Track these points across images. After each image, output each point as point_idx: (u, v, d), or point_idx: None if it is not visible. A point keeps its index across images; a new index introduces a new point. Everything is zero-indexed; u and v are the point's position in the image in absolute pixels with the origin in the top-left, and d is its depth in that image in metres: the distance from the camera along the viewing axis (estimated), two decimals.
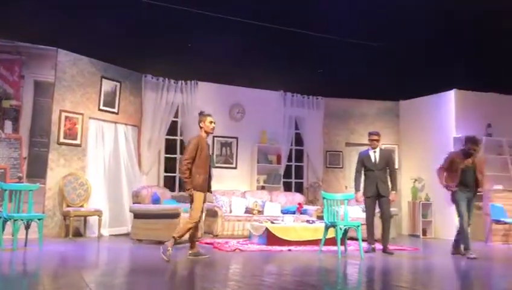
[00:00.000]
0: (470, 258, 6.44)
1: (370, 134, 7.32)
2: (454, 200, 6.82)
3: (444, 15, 7.25)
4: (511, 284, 4.99)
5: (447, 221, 10.13)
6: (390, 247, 7.09)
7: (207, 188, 6.04)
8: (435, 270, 5.74)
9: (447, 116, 10.31)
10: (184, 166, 5.84)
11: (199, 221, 6.02)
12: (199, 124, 6.12)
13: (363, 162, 7.22)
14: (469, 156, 6.73)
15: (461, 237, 6.75)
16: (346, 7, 7.11)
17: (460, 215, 6.75)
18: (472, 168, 6.73)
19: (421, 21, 7.41)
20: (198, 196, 5.85)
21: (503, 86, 9.93)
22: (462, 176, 6.72)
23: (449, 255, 6.90)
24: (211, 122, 6.08)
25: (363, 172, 7.26)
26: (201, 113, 6.15)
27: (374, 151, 7.22)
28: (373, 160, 7.17)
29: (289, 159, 11.07)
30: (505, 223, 8.58)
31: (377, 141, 7.22)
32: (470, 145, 6.73)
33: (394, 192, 7.12)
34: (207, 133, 6.09)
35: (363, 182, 7.23)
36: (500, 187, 9.52)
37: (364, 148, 7.95)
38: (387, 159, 7.23)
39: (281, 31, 7.85)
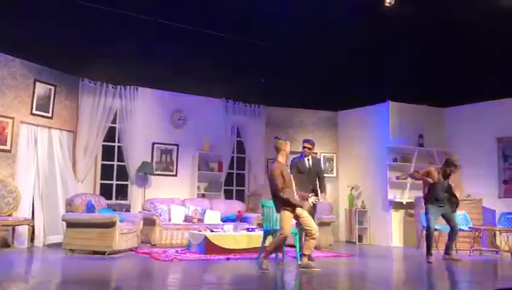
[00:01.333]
0: (429, 262, 7.09)
1: (306, 142, 7.43)
2: (426, 211, 7.49)
3: (382, 28, 7.54)
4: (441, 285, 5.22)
5: (381, 228, 10.51)
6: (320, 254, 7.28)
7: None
8: (368, 276, 5.92)
9: (382, 127, 10.71)
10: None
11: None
12: (278, 147, 6.18)
13: (297, 167, 7.30)
14: (446, 176, 7.41)
15: (427, 243, 7.36)
16: (284, 15, 7.24)
17: (427, 224, 7.41)
18: (445, 187, 7.39)
19: (358, 33, 7.66)
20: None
21: (434, 99, 10.47)
22: (433, 190, 7.33)
23: (383, 261, 7.13)
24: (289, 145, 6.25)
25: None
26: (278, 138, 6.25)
27: (308, 159, 7.37)
28: (307, 165, 7.32)
29: (231, 166, 11.07)
30: (436, 229, 8.97)
31: (311, 149, 7.38)
32: (451, 168, 7.39)
33: (324, 194, 7.38)
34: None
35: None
36: None
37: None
38: (318, 167, 7.46)
39: (223, 38, 7.86)
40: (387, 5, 7.02)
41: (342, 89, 9.78)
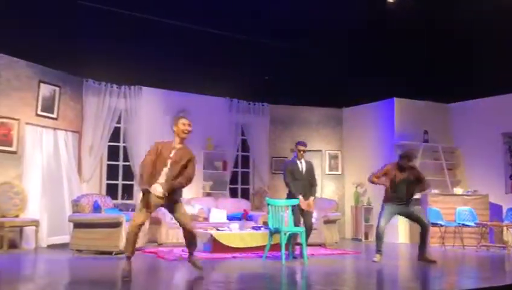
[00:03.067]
0: (373, 261, 6.72)
1: (300, 144, 7.23)
2: (382, 208, 7.08)
3: (387, 26, 7.53)
4: (447, 284, 5.21)
5: (388, 225, 10.45)
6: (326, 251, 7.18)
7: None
8: (374, 274, 5.91)
9: (387, 124, 10.68)
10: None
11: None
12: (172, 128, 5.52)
13: (292, 172, 7.15)
14: (403, 170, 6.95)
15: (377, 240, 6.96)
16: (288, 14, 7.22)
17: (378, 221, 7.03)
18: (405, 181, 6.92)
19: (363, 30, 7.65)
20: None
21: (439, 95, 10.43)
22: (394, 189, 6.91)
23: (390, 258, 7.11)
24: (184, 123, 5.48)
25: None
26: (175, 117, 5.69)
27: (301, 162, 7.22)
28: (300, 169, 7.16)
29: (235, 165, 11.07)
30: (441, 226, 8.98)
31: (305, 152, 7.22)
32: (405, 161, 6.97)
33: (313, 198, 7.11)
34: (180, 137, 5.47)
35: (292, 191, 7.10)
36: (436, 191, 9.95)
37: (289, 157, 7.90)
38: (310, 171, 7.25)
39: (226, 37, 7.86)
40: (391, 1, 7.01)
41: (346, 86, 9.76)
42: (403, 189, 6.92)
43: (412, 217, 7.15)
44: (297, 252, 7.09)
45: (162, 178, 5.17)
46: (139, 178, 5.31)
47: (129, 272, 4.90)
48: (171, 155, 5.26)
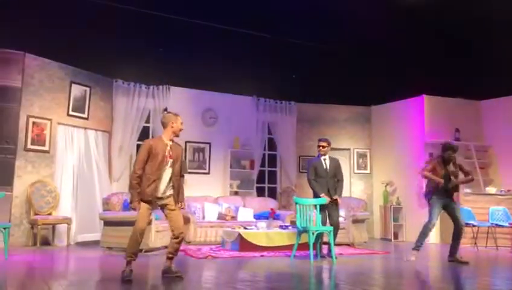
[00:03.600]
0: (410, 259, 6.68)
1: (320, 140, 7.18)
2: (430, 204, 6.89)
3: (415, 24, 7.40)
4: (479, 285, 5.09)
5: (417, 224, 10.27)
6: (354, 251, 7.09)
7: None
8: (404, 274, 5.81)
9: (417, 122, 10.50)
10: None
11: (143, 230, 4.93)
12: (167, 123, 5.05)
13: (316, 169, 7.10)
14: (449, 162, 6.84)
15: (422, 236, 6.84)
16: (316, 12, 7.18)
17: (430, 217, 6.83)
18: (450, 175, 6.80)
19: (393, 28, 7.54)
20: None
21: (469, 92, 10.19)
22: (443, 183, 6.75)
23: (420, 258, 6.99)
24: (182, 123, 5.12)
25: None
26: (167, 111, 5.13)
27: (324, 159, 7.14)
28: (324, 167, 7.10)
29: (262, 164, 11.07)
30: (474, 226, 8.76)
31: (325, 147, 7.12)
32: (449, 152, 6.84)
33: (338, 195, 7.03)
34: (175, 135, 5.08)
35: (317, 190, 7.06)
36: (468, 191, 9.72)
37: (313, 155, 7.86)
38: (336, 168, 7.17)
39: (253, 36, 7.87)
40: None
41: (375, 83, 9.65)
42: (448, 183, 6.78)
43: (453, 213, 6.90)
44: (325, 251, 7.04)
45: (164, 180, 4.92)
46: (133, 185, 4.86)
47: (131, 272, 4.82)
48: (171, 153, 4.96)
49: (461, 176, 7.03)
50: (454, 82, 9.45)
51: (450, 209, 6.89)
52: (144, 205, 4.87)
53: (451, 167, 6.86)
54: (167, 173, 4.93)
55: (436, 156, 7.18)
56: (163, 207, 5.02)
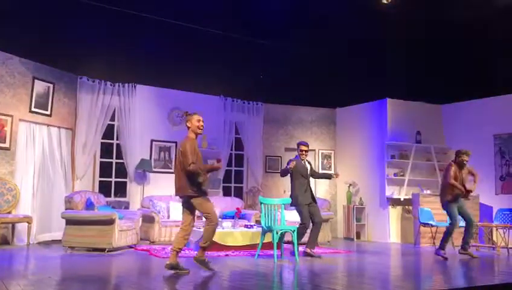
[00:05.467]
0: (443, 257, 7.16)
1: (304, 145, 7.37)
2: (448, 209, 7.42)
3: (381, 28, 7.58)
4: (435, 283, 5.27)
5: (379, 224, 10.56)
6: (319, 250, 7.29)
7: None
8: (366, 272, 5.96)
9: (380, 124, 10.75)
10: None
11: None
12: (187, 125, 5.60)
13: (299, 171, 7.27)
14: (463, 166, 7.40)
15: (447, 236, 7.36)
16: (285, 14, 7.26)
17: (453, 219, 7.38)
18: (464, 178, 7.42)
19: (356, 30, 7.70)
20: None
21: (432, 96, 10.52)
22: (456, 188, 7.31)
23: (381, 257, 7.18)
24: (199, 120, 5.55)
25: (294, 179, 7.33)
26: (187, 113, 5.62)
27: (304, 162, 7.37)
28: (305, 168, 7.34)
29: (229, 164, 11.10)
30: (432, 226, 9.05)
31: (307, 152, 7.42)
32: (463, 157, 7.37)
33: (334, 173, 7.96)
34: (195, 133, 5.58)
35: (296, 190, 7.26)
36: (428, 192, 10.03)
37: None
38: (311, 168, 7.49)
39: (221, 35, 7.89)
40: (385, 2, 7.06)
41: (340, 86, 9.82)
42: (463, 185, 7.33)
43: (464, 212, 7.46)
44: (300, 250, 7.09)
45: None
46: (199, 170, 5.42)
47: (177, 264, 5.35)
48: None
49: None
50: (417, 86, 9.73)
51: (462, 208, 7.45)
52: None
53: (465, 171, 7.45)
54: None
55: (450, 163, 7.63)
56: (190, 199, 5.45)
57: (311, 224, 7.25)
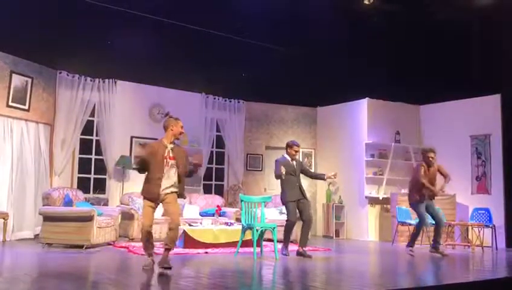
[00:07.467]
0: (410, 254, 7.30)
1: (294, 145, 7.29)
2: (416, 209, 7.52)
3: (361, 28, 7.66)
4: (411, 281, 5.37)
5: (358, 223, 10.68)
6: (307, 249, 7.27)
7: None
8: (345, 270, 6.03)
9: (359, 123, 10.87)
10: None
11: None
12: (167, 127, 5.38)
13: (286, 167, 7.18)
14: (431, 164, 7.48)
15: (416, 234, 7.54)
16: (267, 12, 7.29)
17: (421, 218, 7.46)
18: (434, 176, 7.51)
19: (337, 30, 7.76)
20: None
21: (411, 96, 10.67)
22: (426, 187, 7.40)
23: (360, 255, 7.27)
24: (182, 126, 5.45)
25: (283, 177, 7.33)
26: (171, 116, 5.51)
27: (293, 160, 7.31)
28: (293, 167, 7.25)
29: (210, 161, 11.08)
30: (410, 224, 9.19)
31: (298, 152, 7.41)
32: (429, 154, 7.45)
33: (332, 174, 7.37)
34: (175, 137, 5.41)
35: (284, 187, 7.19)
36: (406, 191, 10.15)
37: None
38: (301, 166, 7.43)
39: (203, 32, 7.87)
40: (367, 2, 7.14)
41: (321, 85, 9.89)
42: (432, 185, 7.41)
43: (432, 211, 7.56)
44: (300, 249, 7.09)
45: (168, 180, 5.27)
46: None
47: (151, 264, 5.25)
48: (171, 155, 5.30)
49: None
50: (396, 87, 9.85)
51: (431, 208, 7.54)
52: (146, 203, 5.26)
53: (434, 169, 7.50)
54: (171, 173, 5.27)
55: (419, 164, 7.72)
56: (162, 201, 5.35)
57: (300, 221, 7.23)
